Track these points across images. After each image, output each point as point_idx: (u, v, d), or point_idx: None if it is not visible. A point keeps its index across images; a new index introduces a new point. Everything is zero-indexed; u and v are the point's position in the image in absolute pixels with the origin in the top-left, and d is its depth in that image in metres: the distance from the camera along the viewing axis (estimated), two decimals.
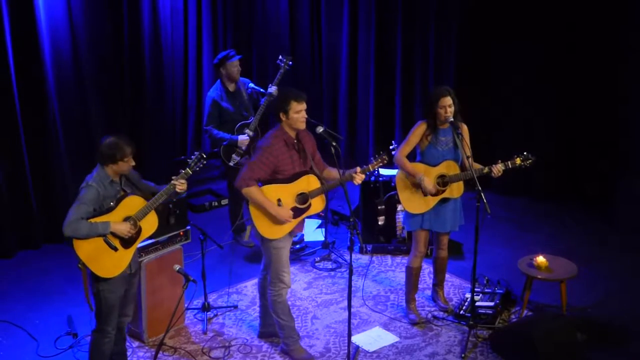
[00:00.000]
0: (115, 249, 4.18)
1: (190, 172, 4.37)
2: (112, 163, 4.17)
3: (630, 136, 7.20)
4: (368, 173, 4.93)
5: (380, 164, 4.72)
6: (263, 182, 4.58)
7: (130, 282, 4.40)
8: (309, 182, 4.70)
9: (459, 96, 5.12)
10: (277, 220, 4.61)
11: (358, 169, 4.67)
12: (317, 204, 4.76)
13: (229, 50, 6.40)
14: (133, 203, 4.24)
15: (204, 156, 4.40)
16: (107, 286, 4.21)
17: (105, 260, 4.17)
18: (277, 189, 4.61)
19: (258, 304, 5.20)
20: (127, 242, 4.23)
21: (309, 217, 5.06)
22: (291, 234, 4.78)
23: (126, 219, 4.21)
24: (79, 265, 4.17)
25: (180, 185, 4.31)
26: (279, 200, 4.61)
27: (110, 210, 4.17)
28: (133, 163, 4.23)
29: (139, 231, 4.27)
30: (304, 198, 4.69)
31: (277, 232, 4.66)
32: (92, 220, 4.09)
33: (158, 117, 7.59)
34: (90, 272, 4.18)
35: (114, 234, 4.16)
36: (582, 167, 7.61)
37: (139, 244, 4.38)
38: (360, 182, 4.69)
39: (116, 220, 4.16)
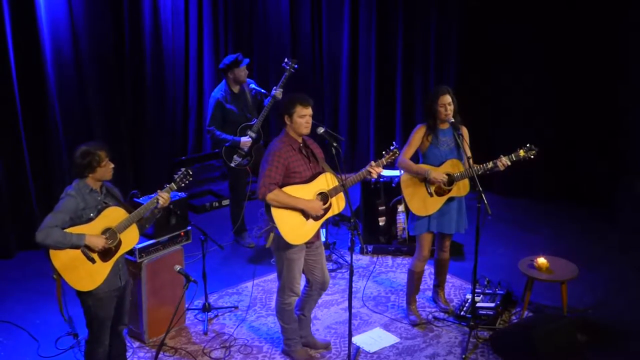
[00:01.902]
0: (93, 261, 4.07)
1: (175, 188, 4.34)
2: (91, 172, 4.05)
3: (630, 136, 7.21)
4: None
5: (392, 158, 4.72)
6: (280, 186, 4.52)
7: (122, 293, 4.33)
8: (328, 181, 4.63)
9: (460, 96, 5.12)
10: (304, 222, 4.55)
11: (372, 163, 4.65)
12: (338, 203, 4.69)
13: (236, 55, 6.35)
14: (114, 214, 4.14)
15: (190, 173, 4.38)
16: (98, 302, 4.14)
17: (81, 272, 4.05)
18: (296, 189, 4.54)
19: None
20: (106, 255, 4.12)
21: None
22: (307, 244, 4.70)
23: (105, 230, 4.11)
24: (54, 276, 4.06)
25: (162, 199, 4.24)
26: (299, 199, 4.56)
27: (90, 220, 4.06)
28: (112, 165, 4.12)
29: (118, 244, 4.15)
30: (324, 197, 4.63)
31: (301, 237, 4.58)
32: (69, 230, 3.99)
33: (159, 117, 7.59)
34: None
35: (88, 248, 4.04)
36: (582, 167, 7.62)
37: (135, 246, 4.35)
38: (376, 175, 4.66)
39: (95, 231, 4.06)
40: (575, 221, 7.29)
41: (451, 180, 5.06)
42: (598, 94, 7.38)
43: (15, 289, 5.95)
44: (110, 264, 4.14)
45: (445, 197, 5.10)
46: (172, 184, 4.33)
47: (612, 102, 7.32)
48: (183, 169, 4.38)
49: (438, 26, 8.08)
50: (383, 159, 4.70)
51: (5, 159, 6.38)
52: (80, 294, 4.14)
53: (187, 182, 4.37)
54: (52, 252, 3.99)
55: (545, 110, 7.70)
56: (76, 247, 4.01)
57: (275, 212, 4.49)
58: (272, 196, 4.45)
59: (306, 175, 4.59)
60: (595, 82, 7.35)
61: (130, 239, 4.21)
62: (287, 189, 4.51)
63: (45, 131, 6.56)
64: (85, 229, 4.03)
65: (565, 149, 7.69)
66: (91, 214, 4.08)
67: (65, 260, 4.01)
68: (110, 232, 4.12)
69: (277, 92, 6.24)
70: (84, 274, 4.06)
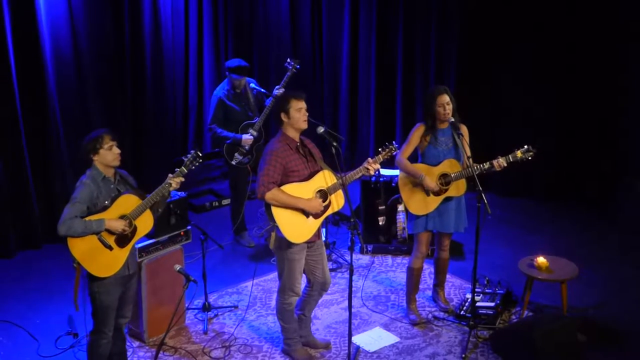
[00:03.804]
0: (111, 248, 4.16)
1: (186, 171, 4.36)
2: (94, 154, 4.14)
3: (630, 136, 7.21)
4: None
5: (389, 154, 4.72)
6: (279, 185, 4.52)
7: (127, 283, 4.37)
8: (326, 178, 4.63)
9: (460, 96, 5.12)
10: (305, 220, 4.54)
11: (370, 159, 4.66)
12: (337, 201, 4.69)
13: (238, 64, 6.34)
14: (128, 202, 4.22)
15: (200, 155, 4.40)
16: (103, 288, 4.20)
17: (100, 260, 4.14)
18: (295, 187, 4.53)
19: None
20: (122, 241, 4.20)
21: None
22: (308, 244, 4.70)
23: (121, 218, 4.19)
24: (74, 265, 4.16)
25: (175, 183, 4.31)
26: (299, 198, 4.54)
27: (105, 208, 4.15)
28: (118, 150, 4.19)
29: (134, 230, 4.24)
30: (323, 195, 4.62)
31: (303, 236, 4.57)
32: (87, 218, 4.08)
33: (159, 116, 7.60)
34: (86, 273, 4.17)
35: (109, 232, 4.13)
36: (583, 167, 7.62)
37: (136, 244, 4.39)
38: (373, 172, 4.67)
39: (111, 218, 4.15)
40: (575, 221, 7.29)
41: (448, 180, 5.06)
42: (598, 93, 7.38)
43: (15, 289, 5.95)
44: (127, 250, 4.23)
45: (442, 197, 5.10)
46: (182, 167, 4.36)
47: (612, 102, 7.32)
48: (193, 151, 4.39)
49: (438, 26, 8.08)
50: (380, 155, 4.70)
51: (5, 159, 6.38)
52: (89, 280, 4.21)
53: (197, 164, 4.40)
54: (70, 242, 4.07)
55: (545, 110, 7.69)
56: (97, 233, 4.10)
57: (276, 211, 4.49)
58: (270, 195, 4.45)
59: (304, 174, 4.59)
60: (595, 82, 7.35)
61: (145, 224, 4.29)
62: (286, 188, 4.51)
63: (45, 131, 6.56)
64: (102, 217, 4.12)
65: (565, 149, 7.68)
66: (105, 202, 4.16)
67: (83, 249, 4.09)
68: (126, 219, 4.19)
69: (279, 92, 6.24)
70: (102, 261, 4.15)
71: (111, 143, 4.16)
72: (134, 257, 4.41)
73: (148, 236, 4.98)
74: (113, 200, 4.18)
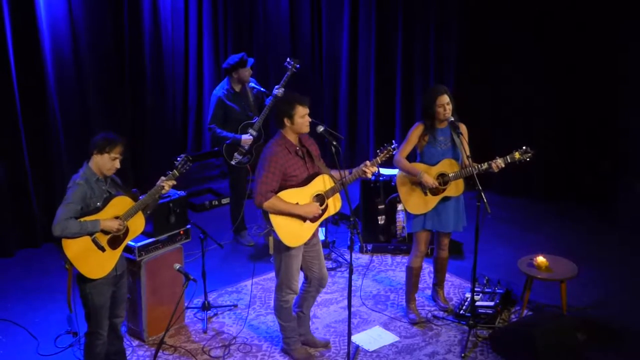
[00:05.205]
0: (103, 250, 4.18)
1: (178, 174, 4.40)
2: (98, 153, 4.14)
3: (630, 136, 7.20)
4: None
5: (387, 155, 4.72)
6: (277, 190, 4.52)
7: (117, 283, 4.38)
8: (324, 182, 4.64)
9: (459, 96, 5.12)
10: (302, 225, 4.55)
11: (367, 162, 4.65)
12: (335, 204, 4.70)
13: (241, 55, 6.35)
14: (121, 203, 4.23)
15: (190, 159, 4.45)
16: (93, 289, 4.21)
17: (92, 261, 4.15)
18: (293, 193, 4.54)
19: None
20: (114, 243, 4.22)
21: None
22: (306, 242, 4.71)
23: (115, 219, 4.20)
24: (66, 266, 4.17)
25: (167, 186, 4.34)
26: (296, 204, 4.57)
27: (98, 210, 4.16)
28: (118, 165, 4.21)
29: (126, 232, 4.26)
30: (320, 199, 4.63)
31: (300, 239, 4.59)
32: (82, 219, 4.09)
33: (158, 116, 7.60)
34: (76, 275, 4.18)
35: (104, 232, 4.15)
36: (582, 167, 7.62)
37: (135, 243, 4.41)
38: (371, 174, 4.67)
39: (106, 218, 4.17)
40: (575, 220, 7.29)
41: (446, 179, 5.06)
42: (598, 93, 7.37)
43: (15, 288, 5.95)
44: (118, 251, 4.26)
45: (440, 196, 5.10)
46: (175, 171, 4.40)
47: (612, 102, 7.31)
48: (183, 155, 4.44)
49: (438, 26, 8.08)
50: (378, 157, 4.70)
51: (5, 158, 6.39)
52: (80, 281, 4.22)
53: (187, 168, 4.45)
54: (64, 243, 4.07)
55: (545, 110, 7.69)
56: (92, 233, 4.11)
57: (273, 217, 4.51)
58: (268, 204, 4.46)
59: (303, 177, 4.59)
60: (596, 82, 7.35)
61: (137, 226, 4.32)
62: (283, 194, 4.51)
63: (45, 131, 6.56)
64: (97, 217, 4.13)
65: (565, 149, 7.68)
66: (97, 203, 4.17)
67: (76, 250, 4.10)
68: (120, 220, 4.21)
69: (279, 91, 6.25)
70: (94, 262, 4.16)
71: (118, 155, 4.19)
72: (121, 258, 4.40)
73: (147, 235, 5.00)
74: (105, 201, 4.18)
